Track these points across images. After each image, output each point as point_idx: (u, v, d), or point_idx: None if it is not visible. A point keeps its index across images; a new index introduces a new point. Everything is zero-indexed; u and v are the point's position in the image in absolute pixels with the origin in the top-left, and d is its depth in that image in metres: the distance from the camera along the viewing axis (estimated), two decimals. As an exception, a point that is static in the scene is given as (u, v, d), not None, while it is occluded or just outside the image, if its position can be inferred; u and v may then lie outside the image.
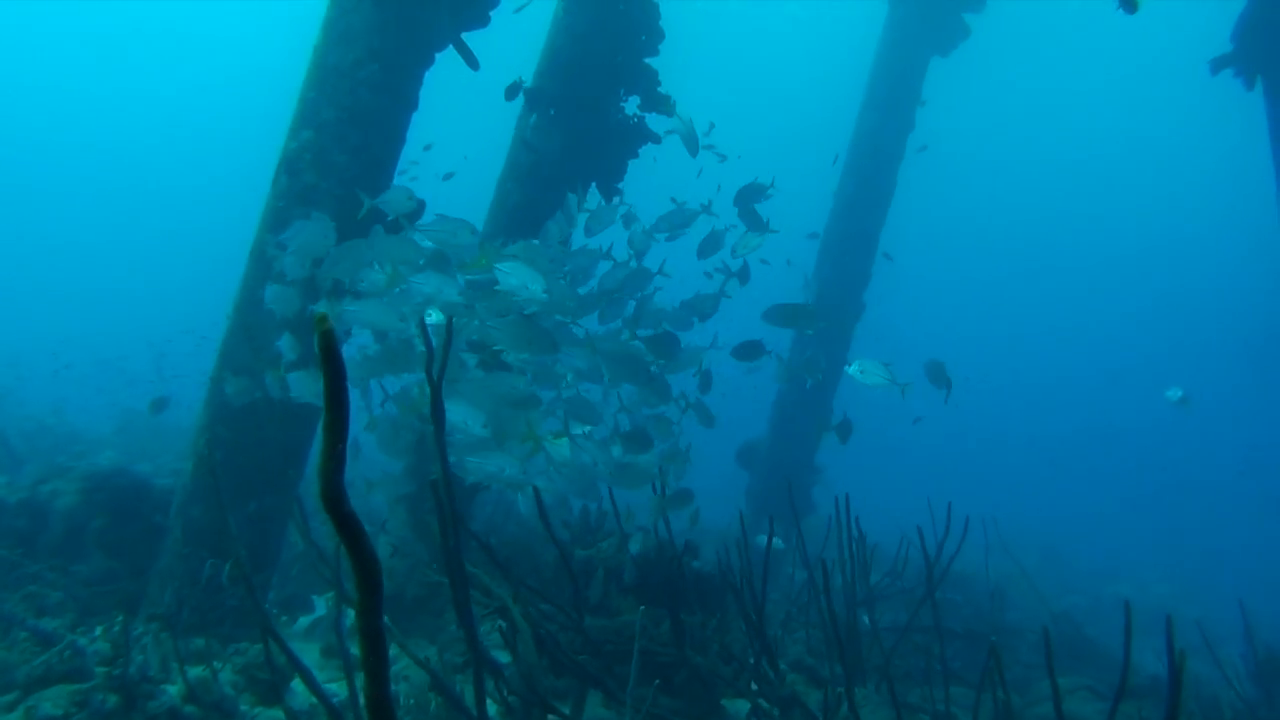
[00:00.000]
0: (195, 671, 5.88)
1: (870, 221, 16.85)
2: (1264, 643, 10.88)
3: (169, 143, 78.07)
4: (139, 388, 27.19)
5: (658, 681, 6.24)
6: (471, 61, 9.07)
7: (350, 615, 5.51)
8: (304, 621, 9.06)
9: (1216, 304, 71.37)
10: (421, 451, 9.65)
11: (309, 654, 7.50)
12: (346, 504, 1.78)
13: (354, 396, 8.32)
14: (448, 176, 15.44)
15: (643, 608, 6.33)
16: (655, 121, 10.78)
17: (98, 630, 7.01)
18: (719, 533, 14.95)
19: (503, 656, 6.20)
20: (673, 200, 9.15)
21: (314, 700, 4.92)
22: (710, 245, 9.33)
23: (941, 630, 7.53)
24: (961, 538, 8.45)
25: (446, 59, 8.87)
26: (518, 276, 6.79)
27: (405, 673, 6.85)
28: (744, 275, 9.30)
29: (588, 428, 7.62)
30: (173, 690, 5.83)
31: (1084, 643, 12.97)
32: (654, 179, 11.63)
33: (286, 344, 7.68)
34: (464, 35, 8.88)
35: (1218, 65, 12.92)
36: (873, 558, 8.96)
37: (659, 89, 10.84)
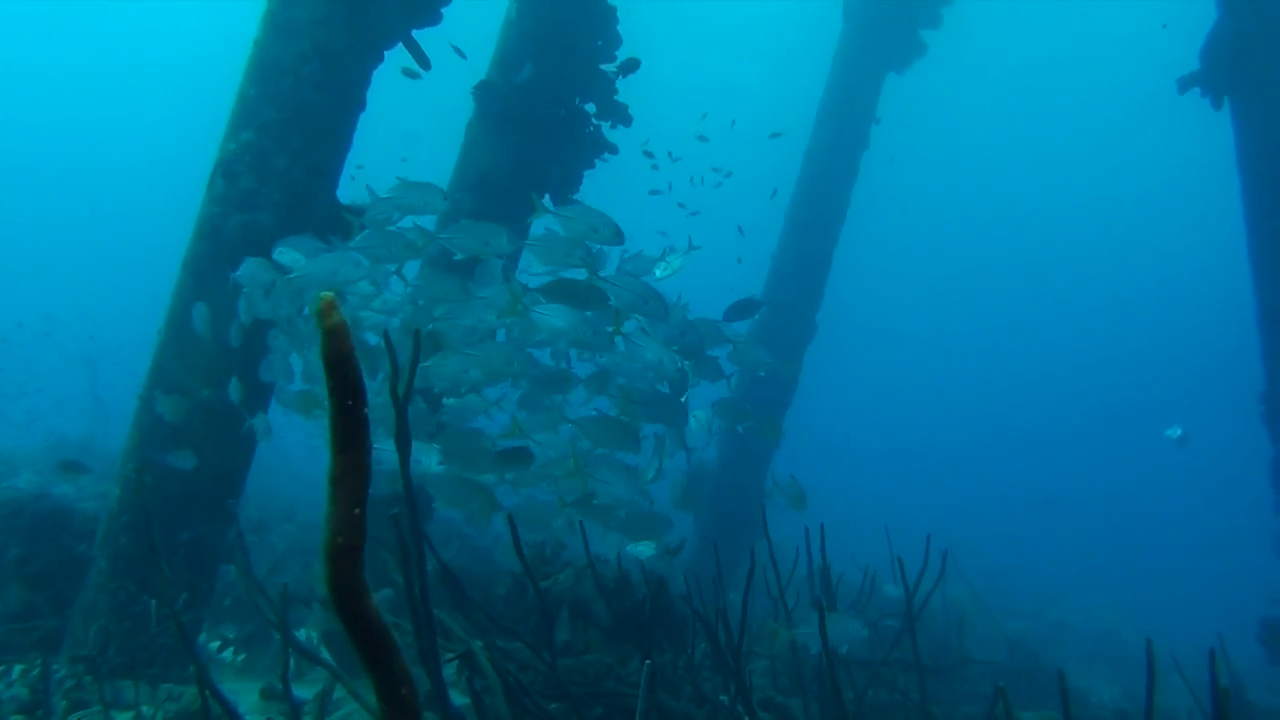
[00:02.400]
0: (122, 720, 5.30)
1: (822, 242, 16.50)
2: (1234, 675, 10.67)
3: (95, 139, 74.65)
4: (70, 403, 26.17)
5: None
6: (422, 60, 8.57)
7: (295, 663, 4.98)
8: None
9: (1168, 317, 72.22)
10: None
11: (247, 695, 6.90)
12: (367, 600, 1.23)
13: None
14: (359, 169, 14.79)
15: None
16: (613, 132, 10.37)
17: (15, 672, 6.40)
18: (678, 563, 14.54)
19: (457, 696, 5.68)
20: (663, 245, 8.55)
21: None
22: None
23: (921, 668, 7.12)
24: (940, 573, 8.04)
25: (396, 56, 8.34)
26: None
27: (351, 718, 6.31)
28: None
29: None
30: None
31: (1041, 672, 12.77)
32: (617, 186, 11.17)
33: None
34: (415, 32, 8.36)
35: (1185, 84, 12.69)
36: (837, 587, 8.55)
37: (615, 97, 10.42)
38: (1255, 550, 15.10)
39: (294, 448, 19.81)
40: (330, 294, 1.31)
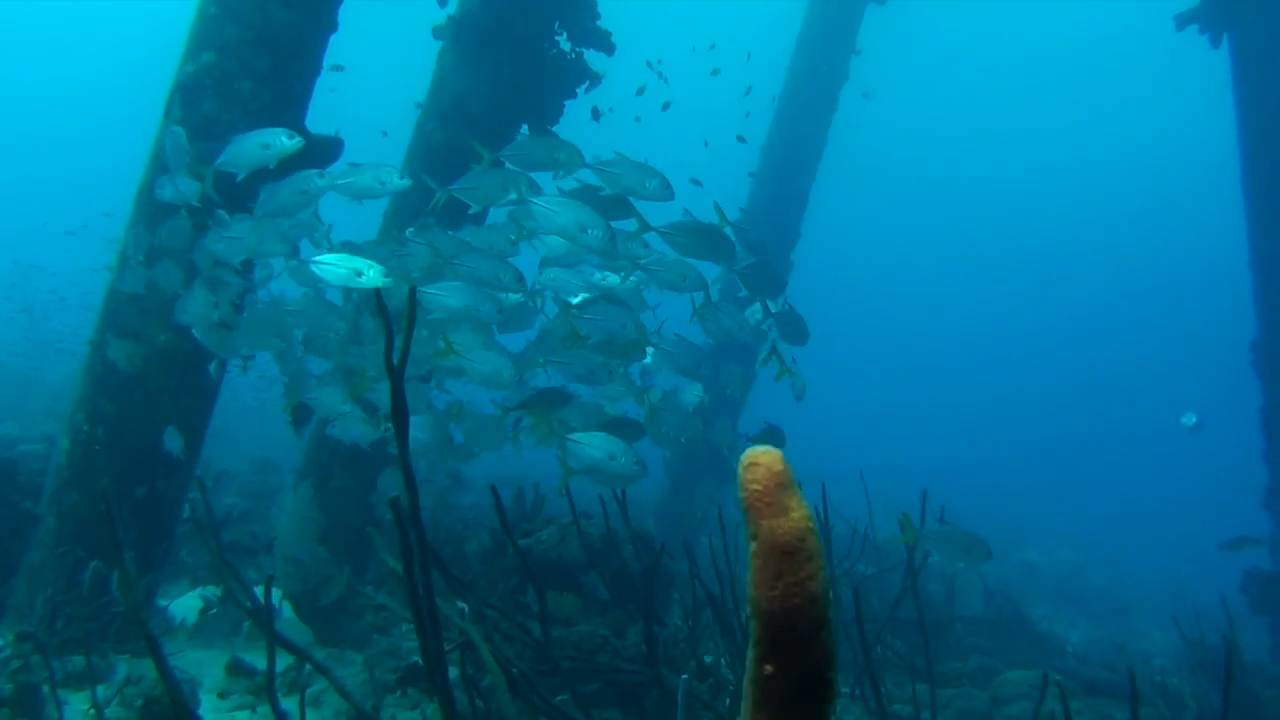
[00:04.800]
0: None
1: (800, 177, 15.96)
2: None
3: (40, 54, 71.98)
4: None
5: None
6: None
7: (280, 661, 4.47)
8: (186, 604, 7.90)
9: (1144, 269, 72.31)
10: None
11: (211, 671, 6.40)
12: None
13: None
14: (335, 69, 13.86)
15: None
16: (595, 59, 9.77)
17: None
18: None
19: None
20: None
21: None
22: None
23: (924, 626, 6.78)
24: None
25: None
26: None
27: (324, 697, 5.85)
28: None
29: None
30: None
31: (1022, 622, 12.61)
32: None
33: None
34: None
35: (1183, 21, 12.25)
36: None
37: (598, 23, 9.81)
38: (1238, 502, 14.92)
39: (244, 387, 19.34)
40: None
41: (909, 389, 63.65)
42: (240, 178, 6.22)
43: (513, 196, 6.37)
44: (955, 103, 66.56)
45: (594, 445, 6.38)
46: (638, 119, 17.45)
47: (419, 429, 6.80)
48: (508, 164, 6.58)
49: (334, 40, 7.59)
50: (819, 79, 16.10)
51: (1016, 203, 73.90)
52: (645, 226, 6.58)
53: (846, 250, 57.56)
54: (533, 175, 6.47)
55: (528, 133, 9.44)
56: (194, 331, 6.58)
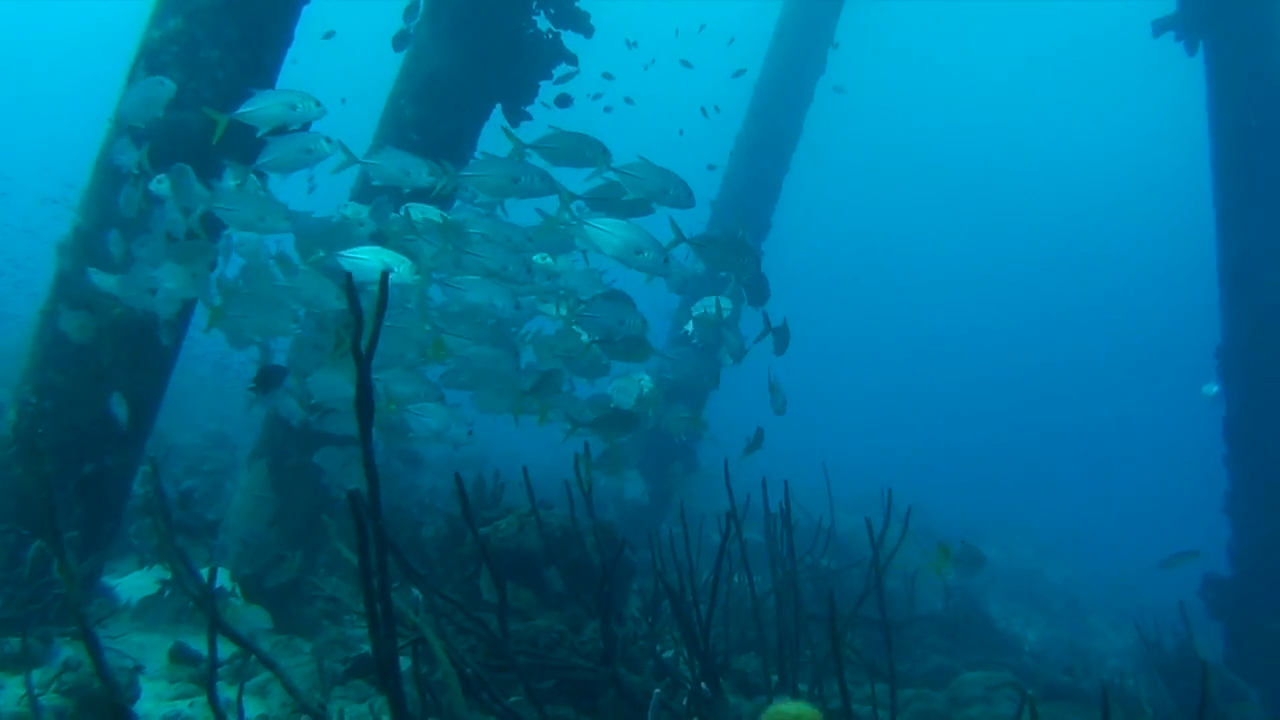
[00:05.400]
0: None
1: (773, 168, 15.86)
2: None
3: None
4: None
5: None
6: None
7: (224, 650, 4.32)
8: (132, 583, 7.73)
9: (1110, 270, 72.60)
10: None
11: (155, 655, 6.22)
12: None
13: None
14: (328, 35, 13.50)
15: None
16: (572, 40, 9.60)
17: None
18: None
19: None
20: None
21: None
22: None
23: (887, 625, 6.65)
24: (903, 532, 7.54)
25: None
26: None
27: (270, 686, 5.69)
28: None
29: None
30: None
31: (982, 620, 12.62)
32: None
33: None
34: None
35: (1160, 27, 12.22)
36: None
37: (576, 4, 9.64)
38: (1197, 504, 14.96)
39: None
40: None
41: (872, 384, 63.87)
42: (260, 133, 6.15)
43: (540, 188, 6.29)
44: (933, 98, 66.48)
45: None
46: (608, 109, 17.30)
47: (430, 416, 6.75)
48: (535, 156, 6.46)
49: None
50: (795, 70, 16.01)
51: (985, 200, 74.07)
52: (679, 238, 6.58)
53: (814, 242, 57.46)
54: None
55: (500, 111, 9.32)
56: (159, 309, 6.39)
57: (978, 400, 62.57)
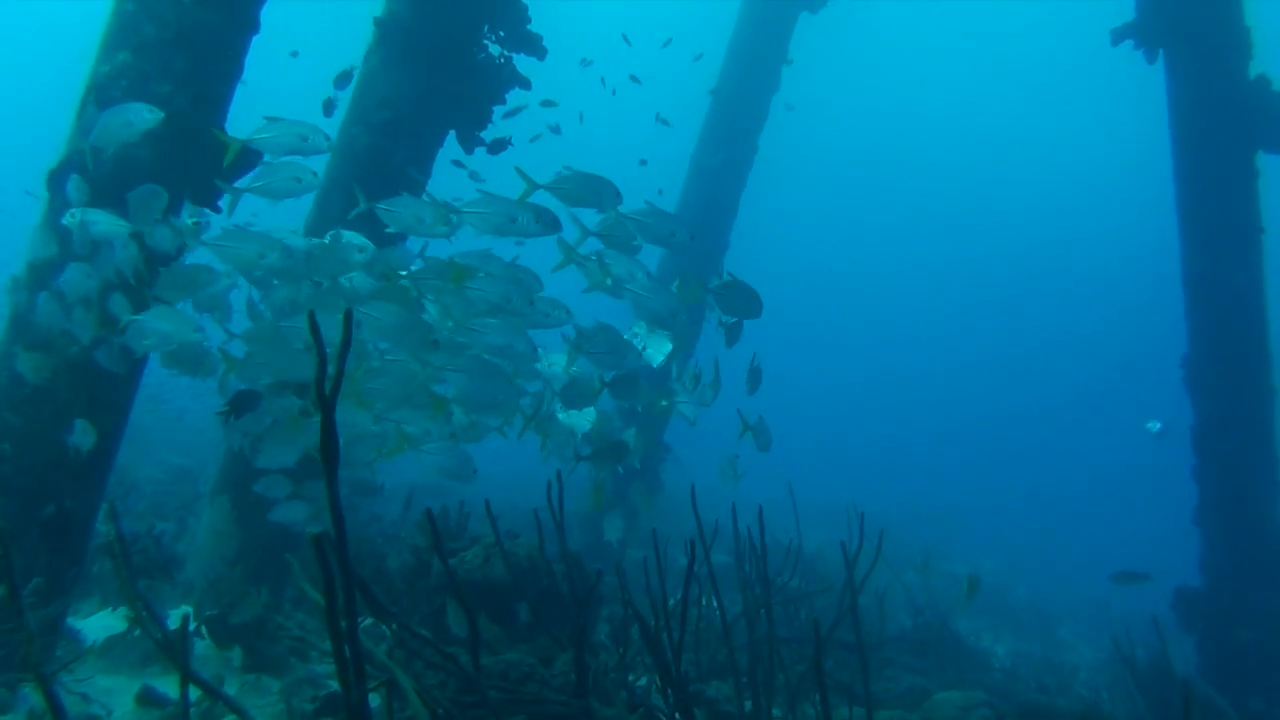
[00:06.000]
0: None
1: (729, 187, 15.86)
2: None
3: None
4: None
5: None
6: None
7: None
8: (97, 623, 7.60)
9: (1075, 283, 72.99)
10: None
11: (121, 700, 6.12)
12: None
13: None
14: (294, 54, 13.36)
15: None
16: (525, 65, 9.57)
17: None
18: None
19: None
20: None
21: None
22: None
23: (862, 648, 6.61)
24: (876, 554, 7.50)
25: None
26: None
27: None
28: None
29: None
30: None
31: (952, 638, 12.59)
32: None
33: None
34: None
35: (1118, 36, 12.22)
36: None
37: (529, 27, 9.61)
38: (1166, 516, 15.00)
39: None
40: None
41: (835, 397, 63.94)
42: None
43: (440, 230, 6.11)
44: (889, 111, 66.91)
45: None
46: (554, 128, 17.24)
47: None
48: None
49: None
50: (749, 88, 16.02)
51: (942, 215, 74.54)
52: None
53: (773, 259, 57.57)
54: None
55: (455, 138, 9.28)
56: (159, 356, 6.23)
57: (936, 414, 62.70)
